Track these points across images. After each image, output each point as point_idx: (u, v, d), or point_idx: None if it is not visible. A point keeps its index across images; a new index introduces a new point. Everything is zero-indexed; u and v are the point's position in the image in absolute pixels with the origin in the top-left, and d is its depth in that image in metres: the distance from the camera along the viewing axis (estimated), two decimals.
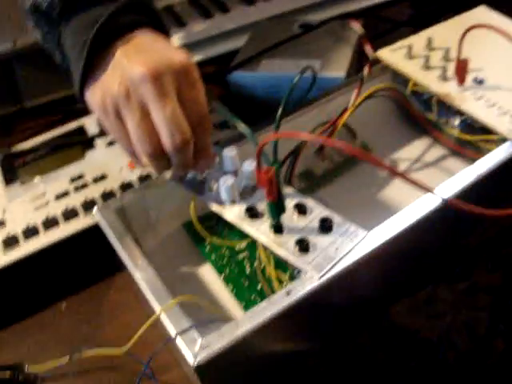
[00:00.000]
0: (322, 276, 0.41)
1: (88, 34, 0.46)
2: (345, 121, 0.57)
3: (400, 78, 0.62)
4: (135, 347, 0.44)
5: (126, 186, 0.57)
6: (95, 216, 0.50)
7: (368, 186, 0.58)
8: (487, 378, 0.46)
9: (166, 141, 0.44)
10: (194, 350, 0.38)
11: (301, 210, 0.46)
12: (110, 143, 0.64)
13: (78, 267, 0.55)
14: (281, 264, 0.47)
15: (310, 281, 0.41)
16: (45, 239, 0.54)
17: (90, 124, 0.67)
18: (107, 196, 0.57)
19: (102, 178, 0.59)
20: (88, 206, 0.56)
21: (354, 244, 0.43)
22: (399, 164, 0.61)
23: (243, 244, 0.52)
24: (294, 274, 0.47)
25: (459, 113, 0.58)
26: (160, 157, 0.46)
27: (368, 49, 0.63)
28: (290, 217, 0.45)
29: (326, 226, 0.44)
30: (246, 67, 0.68)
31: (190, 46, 0.83)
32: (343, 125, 0.57)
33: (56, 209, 0.56)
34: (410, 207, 0.46)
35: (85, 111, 0.72)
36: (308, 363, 0.47)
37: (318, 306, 0.44)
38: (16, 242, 0.53)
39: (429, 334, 0.48)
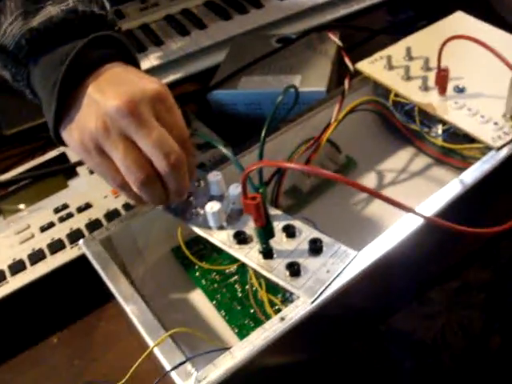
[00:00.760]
0: (315, 300, 0.41)
1: (57, 73, 0.46)
2: (328, 136, 0.57)
3: (381, 89, 0.63)
4: (130, 379, 0.44)
5: (111, 214, 0.57)
6: (81, 248, 0.49)
7: (354, 200, 0.58)
8: (484, 377, 0.46)
9: (161, 163, 0.44)
10: (189, 383, 0.38)
11: (289, 232, 0.45)
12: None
13: (67, 300, 0.54)
14: (272, 286, 0.47)
15: (302, 305, 0.41)
16: (32, 273, 0.53)
17: (71, 151, 0.66)
18: (93, 225, 0.56)
19: (87, 207, 0.58)
20: (74, 236, 0.55)
21: (344, 265, 0.43)
22: (385, 175, 0.61)
23: (233, 267, 0.52)
24: (286, 296, 0.47)
25: (442, 122, 0.58)
26: (153, 183, 0.45)
27: (347, 61, 0.63)
28: (278, 240, 0.45)
29: (315, 248, 0.44)
30: (226, 85, 0.68)
31: (168, 65, 0.83)
32: (327, 140, 0.57)
33: (42, 241, 0.56)
34: (397, 225, 0.46)
35: None
36: (303, 375, 0.47)
37: (311, 328, 0.43)
38: (3, 278, 0.53)
39: (423, 335, 0.48)
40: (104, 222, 0.56)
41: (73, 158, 0.66)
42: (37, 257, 0.54)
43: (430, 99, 0.58)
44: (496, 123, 0.54)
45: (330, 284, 0.42)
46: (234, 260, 0.50)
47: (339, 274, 0.42)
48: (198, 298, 0.52)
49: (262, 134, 0.47)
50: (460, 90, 0.58)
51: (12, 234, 0.57)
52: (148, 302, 0.44)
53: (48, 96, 0.47)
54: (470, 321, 0.49)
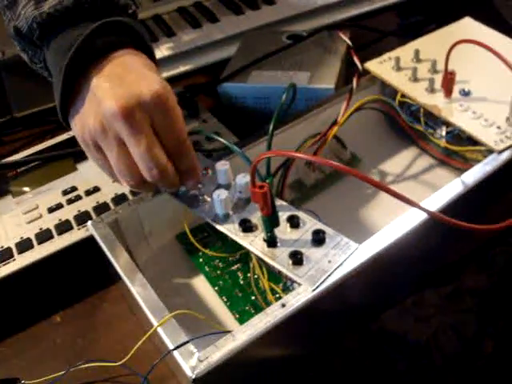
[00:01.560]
0: (316, 288, 0.42)
1: (64, 59, 0.46)
2: (335, 132, 0.58)
3: (388, 89, 0.64)
4: (131, 359, 0.45)
5: (118, 198, 0.58)
6: (89, 230, 0.50)
7: (358, 195, 0.59)
8: (476, 380, 0.47)
9: (145, 174, 0.46)
10: (191, 363, 0.39)
11: (293, 222, 0.47)
12: None
13: (71, 280, 0.55)
14: (274, 275, 0.48)
15: (304, 293, 0.42)
16: (39, 252, 0.54)
17: None
18: (100, 208, 0.57)
19: (95, 190, 0.59)
20: (81, 218, 0.56)
21: (346, 256, 0.44)
22: (388, 173, 0.62)
23: (236, 255, 0.53)
24: (287, 284, 0.48)
25: (446, 123, 0.59)
26: (143, 186, 0.48)
27: (356, 61, 0.64)
28: (282, 230, 0.46)
29: (318, 239, 0.45)
30: (236, 78, 0.69)
31: (179, 56, 0.84)
32: (333, 136, 0.58)
33: (49, 222, 0.57)
34: (399, 220, 0.47)
35: None
36: (299, 369, 0.48)
37: (311, 316, 0.44)
38: (10, 256, 0.53)
39: (416, 336, 0.49)
40: (111, 205, 0.57)
41: None
42: (44, 236, 0.55)
43: (436, 101, 0.59)
44: (499, 127, 0.55)
45: (331, 274, 0.43)
46: (237, 249, 0.51)
47: (340, 265, 0.43)
48: (201, 284, 0.53)
49: (270, 127, 0.48)
50: (465, 94, 0.59)
51: (20, 213, 0.58)
52: (151, 285, 0.45)
53: (56, 81, 0.48)
54: (463, 324, 0.49)
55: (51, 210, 0.58)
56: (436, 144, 0.61)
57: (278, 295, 0.48)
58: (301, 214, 0.47)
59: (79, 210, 0.57)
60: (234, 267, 0.52)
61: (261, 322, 0.41)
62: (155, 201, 0.52)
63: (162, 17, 0.93)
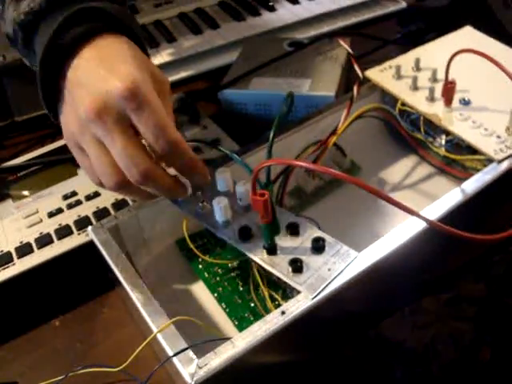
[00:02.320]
0: (315, 296, 0.42)
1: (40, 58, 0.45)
2: (335, 140, 0.58)
3: (388, 97, 0.64)
4: (129, 365, 0.45)
5: (119, 204, 0.58)
6: (89, 235, 0.50)
7: (357, 203, 0.59)
8: None
9: (126, 174, 0.43)
10: (190, 369, 0.39)
11: (293, 230, 0.47)
12: None
13: (71, 285, 0.55)
14: (273, 283, 0.48)
15: (303, 301, 0.42)
16: (39, 257, 0.54)
17: None
18: (100, 213, 0.57)
19: (95, 195, 0.59)
20: (81, 223, 0.56)
21: (345, 264, 0.44)
22: (387, 182, 0.62)
23: (235, 262, 0.53)
24: (286, 292, 0.48)
25: (446, 132, 0.60)
26: (126, 188, 0.45)
27: (357, 69, 0.64)
28: (282, 237, 0.46)
29: (318, 247, 0.45)
30: (237, 85, 0.69)
31: (179, 62, 0.84)
32: (333, 144, 0.59)
33: (49, 226, 0.57)
34: (398, 229, 0.47)
35: None
36: (298, 375, 0.48)
37: (310, 324, 0.44)
38: (10, 260, 0.53)
39: (414, 344, 0.49)
40: (111, 210, 0.57)
41: None
42: (44, 241, 0.55)
43: (436, 110, 0.59)
44: (499, 136, 0.55)
45: (330, 282, 0.43)
46: (237, 255, 0.51)
47: (340, 273, 0.44)
48: (200, 290, 0.53)
49: (271, 136, 0.48)
50: (465, 103, 0.60)
51: (20, 217, 0.58)
52: (150, 291, 0.45)
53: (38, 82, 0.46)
54: (460, 332, 0.49)
55: (51, 215, 0.58)
56: (435, 152, 0.62)
57: (277, 302, 0.48)
58: (300, 222, 0.47)
59: (79, 215, 0.57)
60: (234, 274, 0.53)
61: (260, 330, 0.41)
62: (155, 207, 0.53)
63: (163, 22, 0.94)
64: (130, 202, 0.58)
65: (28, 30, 0.47)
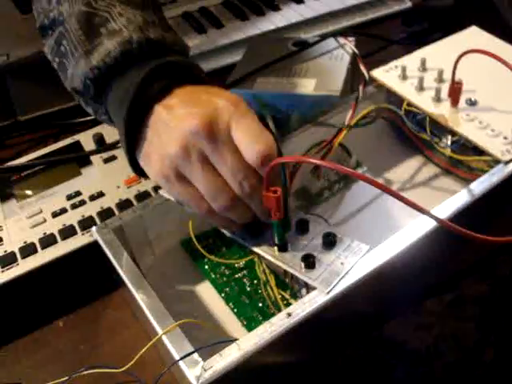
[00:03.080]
0: (330, 291, 0.42)
1: (122, 112, 0.45)
2: (340, 140, 0.58)
3: (394, 98, 0.63)
4: (133, 366, 0.44)
5: (123, 204, 0.58)
6: (94, 235, 0.50)
7: (363, 203, 0.58)
8: None
9: (236, 190, 0.44)
10: (196, 372, 0.39)
11: (303, 226, 0.47)
12: (107, 160, 0.64)
13: (74, 285, 0.55)
14: (282, 282, 0.48)
15: (318, 296, 0.42)
16: (42, 257, 0.54)
17: (86, 140, 0.67)
18: (105, 213, 0.57)
19: (99, 195, 0.59)
20: (85, 223, 0.56)
21: (358, 258, 0.44)
22: (392, 182, 0.62)
23: (242, 262, 0.53)
24: (294, 290, 0.48)
25: (452, 133, 0.59)
26: (235, 207, 0.45)
27: (363, 69, 0.63)
28: (292, 234, 0.46)
29: (329, 242, 0.45)
30: (242, 85, 0.69)
31: None
32: (339, 144, 0.58)
33: (53, 226, 0.56)
34: (409, 227, 0.47)
35: (80, 126, 0.73)
36: (301, 375, 0.47)
37: (316, 326, 0.44)
38: (14, 260, 0.53)
39: (417, 344, 0.49)
40: (116, 211, 0.57)
41: (87, 146, 0.67)
42: (48, 241, 0.55)
43: (442, 110, 0.59)
44: (506, 137, 0.55)
45: (345, 275, 0.43)
46: (243, 255, 0.51)
47: (353, 267, 0.44)
48: (205, 290, 0.52)
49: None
50: (472, 103, 0.59)
51: (24, 217, 0.58)
52: (155, 292, 0.45)
53: (120, 134, 0.47)
54: (463, 333, 0.49)
55: (55, 215, 0.58)
56: (441, 153, 0.61)
57: (285, 302, 0.48)
58: (310, 218, 0.47)
59: (83, 215, 0.57)
60: (240, 274, 0.52)
61: (266, 332, 0.40)
62: (160, 207, 0.52)
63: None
64: (135, 202, 0.57)
65: (101, 84, 0.48)
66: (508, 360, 0.48)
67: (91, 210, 0.58)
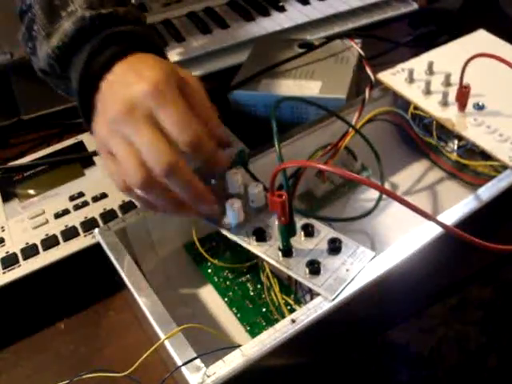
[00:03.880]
0: (335, 298, 0.42)
1: (77, 84, 0.48)
2: (346, 143, 0.57)
3: (400, 101, 0.63)
4: (135, 370, 0.44)
5: (126, 205, 0.57)
6: (96, 238, 0.50)
7: (367, 207, 0.58)
8: None
9: (153, 168, 0.43)
10: (198, 378, 0.38)
11: (308, 231, 0.46)
12: None
13: (76, 287, 0.55)
14: (285, 287, 0.48)
15: (322, 303, 0.42)
16: (44, 259, 0.53)
17: (89, 140, 0.67)
18: (107, 215, 0.56)
19: (102, 196, 0.58)
20: (88, 225, 0.56)
21: (363, 264, 0.44)
22: (398, 186, 0.62)
23: (245, 266, 0.52)
24: (298, 296, 0.47)
25: (458, 137, 0.59)
26: (152, 185, 0.44)
27: (369, 71, 0.63)
28: (297, 239, 0.46)
29: (334, 248, 0.45)
30: (247, 86, 0.68)
31: (188, 61, 0.83)
32: (344, 147, 0.58)
33: (55, 228, 0.56)
34: (415, 233, 0.46)
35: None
36: (304, 379, 0.47)
37: (320, 332, 0.44)
38: (15, 262, 0.53)
39: (419, 347, 0.48)
40: (119, 212, 0.56)
41: (90, 147, 0.66)
42: (50, 242, 0.54)
43: (450, 115, 0.58)
44: None
45: (350, 282, 0.43)
46: (246, 259, 0.51)
47: (359, 273, 0.43)
48: (208, 295, 0.52)
49: (275, 141, 0.47)
50: (480, 108, 0.59)
51: (26, 218, 0.58)
52: (157, 295, 0.45)
53: (78, 105, 0.49)
54: (466, 336, 0.49)
55: (58, 216, 0.57)
56: (447, 157, 0.61)
57: (289, 307, 0.47)
58: (315, 223, 0.47)
59: (86, 217, 0.57)
60: (244, 278, 0.52)
61: (270, 338, 0.40)
62: None
63: (172, 21, 0.93)
64: (138, 205, 0.57)
65: (63, 62, 0.51)
66: (511, 364, 0.48)
67: (94, 211, 0.57)
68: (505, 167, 0.53)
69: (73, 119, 0.75)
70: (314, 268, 0.43)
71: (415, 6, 0.95)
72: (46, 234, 0.55)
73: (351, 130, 0.58)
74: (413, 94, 0.61)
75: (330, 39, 0.74)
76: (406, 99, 0.61)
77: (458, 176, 0.61)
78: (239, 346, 0.40)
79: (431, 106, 0.59)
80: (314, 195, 0.60)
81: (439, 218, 0.47)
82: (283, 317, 0.45)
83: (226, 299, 0.51)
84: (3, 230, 0.56)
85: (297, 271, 0.44)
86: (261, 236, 0.46)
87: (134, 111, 0.43)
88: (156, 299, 0.44)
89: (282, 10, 0.92)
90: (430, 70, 0.64)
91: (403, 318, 0.51)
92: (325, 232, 0.46)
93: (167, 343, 0.40)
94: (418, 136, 0.61)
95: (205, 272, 0.53)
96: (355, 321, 0.49)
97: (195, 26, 0.90)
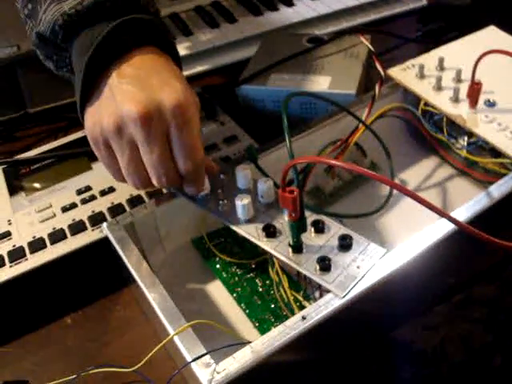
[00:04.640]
0: (346, 295, 0.41)
1: (85, 59, 0.46)
2: (356, 139, 0.57)
3: (411, 97, 0.62)
4: (142, 365, 0.44)
5: (134, 200, 0.57)
6: (104, 232, 0.49)
7: (377, 203, 0.57)
8: None
9: (154, 180, 0.46)
10: (208, 375, 0.38)
11: (318, 227, 0.46)
12: None
13: (83, 282, 0.54)
14: (295, 283, 0.48)
15: (333, 299, 0.41)
16: (51, 252, 0.53)
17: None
18: (115, 209, 0.56)
19: (110, 190, 0.58)
20: (95, 219, 0.55)
21: (374, 261, 0.43)
22: (407, 182, 0.61)
23: (254, 262, 0.52)
24: (307, 292, 0.47)
25: (468, 134, 0.58)
26: (147, 187, 0.48)
27: (379, 67, 0.62)
28: (307, 235, 0.45)
29: (345, 244, 0.44)
30: (255, 81, 0.68)
31: (195, 56, 0.83)
32: (354, 143, 0.57)
33: (63, 221, 0.56)
34: (427, 230, 0.46)
35: None
36: (311, 375, 0.47)
37: (330, 329, 0.43)
38: (22, 255, 0.53)
39: (424, 345, 0.48)
40: (126, 207, 0.56)
41: None
42: (57, 236, 0.54)
43: (460, 111, 0.58)
44: None
45: (361, 279, 0.42)
46: (255, 255, 0.50)
47: (369, 270, 0.43)
48: (216, 290, 0.52)
49: (286, 136, 0.46)
50: (491, 104, 0.58)
51: (33, 211, 0.57)
52: (166, 289, 0.44)
53: (77, 79, 0.47)
54: (470, 334, 0.48)
55: (65, 210, 0.57)
56: (457, 154, 0.60)
57: (298, 304, 0.47)
58: (325, 219, 0.46)
59: (93, 211, 0.56)
60: (252, 274, 0.51)
61: (280, 335, 0.39)
62: (171, 205, 0.52)
63: (180, 15, 0.92)
64: (146, 199, 0.57)
65: (69, 31, 0.48)
66: None
67: (101, 205, 0.57)
68: None
69: None
70: (325, 264, 0.43)
71: (424, 1, 0.94)
72: (54, 228, 0.55)
73: (361, 125, 0.57)
74: (423, 89, 0.61)
75: (339, 34, 0.74)
76: (417, 95, 0.61)
77: (468, 173, 0.60)
78: (249, 342, 0.40)
79: (442, 102, 0.59)
80: (323, 191, 0.59)
81: (452, 215, 0.47)
82: (293, 313, 0.44)
83: (234, 295, 0.50)
84: (10, 224, 0.56)
85: (307, 267, 0.43)
86: (270, 232, 0.46)
87: (155, 120, 0.43)
88: (165, 294, 0.43)
89: (290, 4, 0.92)
90: (441, 66, 0.63)
91: (410, 316, 0.50)
92: (335, 228, 0.46)
93: (176, 339, 0.40)
94: (429, 132, 0.61)
95: (213, 267, 0.53)
96: (364, 318, 0.49)
97: (203, 20, 0.90)
